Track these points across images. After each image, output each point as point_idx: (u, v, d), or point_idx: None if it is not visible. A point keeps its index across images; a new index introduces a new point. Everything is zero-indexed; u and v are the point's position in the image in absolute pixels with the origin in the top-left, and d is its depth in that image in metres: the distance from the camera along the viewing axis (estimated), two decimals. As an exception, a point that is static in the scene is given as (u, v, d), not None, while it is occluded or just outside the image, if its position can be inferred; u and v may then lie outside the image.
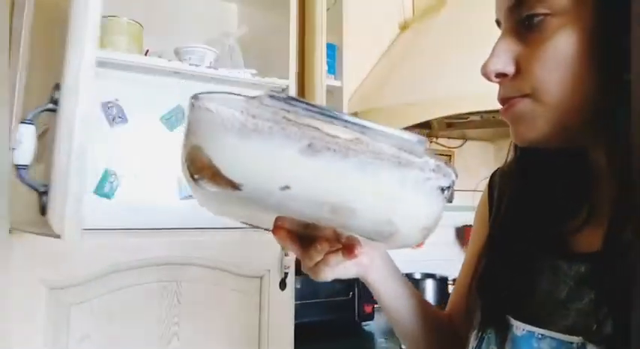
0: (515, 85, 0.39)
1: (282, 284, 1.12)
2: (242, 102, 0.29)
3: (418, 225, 0.33)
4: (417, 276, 1.96)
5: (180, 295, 1.01)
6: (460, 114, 1.65)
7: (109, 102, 1.00)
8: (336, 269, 0.43)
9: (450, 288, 2.01)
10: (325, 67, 1.41)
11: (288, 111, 0.28)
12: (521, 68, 0.38)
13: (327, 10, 1.67)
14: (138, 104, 1.03)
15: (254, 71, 1.17)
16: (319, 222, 0.33)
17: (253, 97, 0.29)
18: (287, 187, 0.29)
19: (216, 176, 0.29)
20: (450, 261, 2.06)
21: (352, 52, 1.68)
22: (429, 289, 1.85)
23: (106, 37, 1.06)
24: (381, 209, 0.31)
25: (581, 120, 0.37)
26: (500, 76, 0.39)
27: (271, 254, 1.11)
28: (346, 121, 0.29)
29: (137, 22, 1.11)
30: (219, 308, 1.05)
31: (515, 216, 0.45)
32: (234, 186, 0.29)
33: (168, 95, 1.07)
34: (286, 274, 1.11)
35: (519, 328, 0.41)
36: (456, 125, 1.86)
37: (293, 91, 1.21)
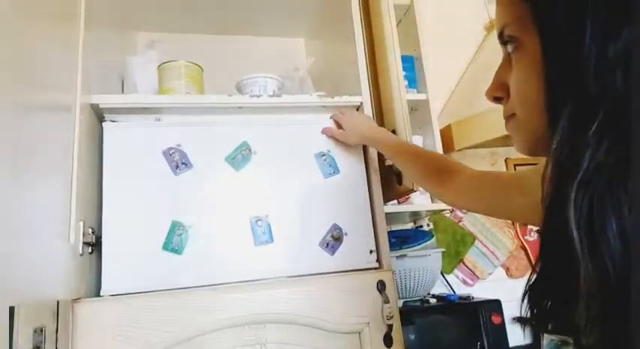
0: (506, 106, 0.45)
1: (388, 340, 0.90)
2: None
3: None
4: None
5: (267, 360, 0.85)
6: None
7: (170, 149, 0.93)
8: None
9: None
10: (403, 80, 1.23)
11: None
12: (509, 92, 0.43)
13: (399, 22, 1.52)
14: (201, 147, 0.95)
15: (322, 92, 1.04)
16: None
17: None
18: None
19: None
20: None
21: (435, 62, 1.49)
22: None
23: (165, 83, 1.02)
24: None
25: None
26: (496, 99, 0.45)
27: (368, 302, 0.91)
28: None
29: (195, 64, 1.05)
30: (313, 375, 0.86)
31: None
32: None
33: (231, 134, 0.97)
34: (390, 327, 0.89)
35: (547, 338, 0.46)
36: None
37: (368, 108, 1.04)
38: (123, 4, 1.23)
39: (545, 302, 0.39)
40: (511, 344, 1.32)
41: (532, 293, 0.41)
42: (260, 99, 1.00)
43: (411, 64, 1.43)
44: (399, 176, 0.99)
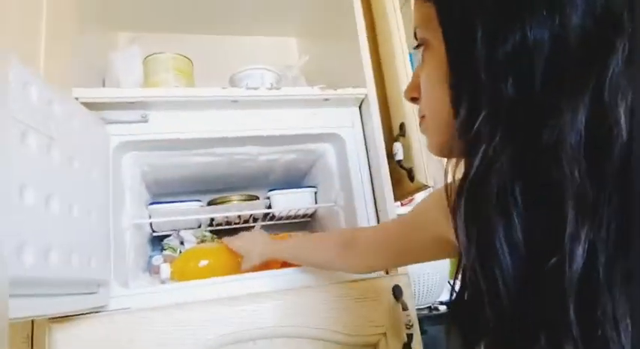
0: (420, 107, 0.44)
1: (407, 351, 0.81)
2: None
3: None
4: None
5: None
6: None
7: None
8: None
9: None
10: (410, 74, 1.17)
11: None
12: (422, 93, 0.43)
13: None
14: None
15: (322, 85, 0.96)
16: None
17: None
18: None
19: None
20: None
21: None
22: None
23: (151, 76, 0.93)
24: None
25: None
26: (413, 100, 0.45)
27: (384, 311, 0.82)
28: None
29: (184, 56, 0.97)
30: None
31: None
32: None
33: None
34: (410, 336, 0.81)
35: None
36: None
37: (374, 100, 0.97)
38: (104, 1, 1.14)
39: (468, 327, 0.35)
40: None
41: (457, 316, 0.38)
42: (258, 92, 0.91)
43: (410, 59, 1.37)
44: (410, 172, 0.92)
